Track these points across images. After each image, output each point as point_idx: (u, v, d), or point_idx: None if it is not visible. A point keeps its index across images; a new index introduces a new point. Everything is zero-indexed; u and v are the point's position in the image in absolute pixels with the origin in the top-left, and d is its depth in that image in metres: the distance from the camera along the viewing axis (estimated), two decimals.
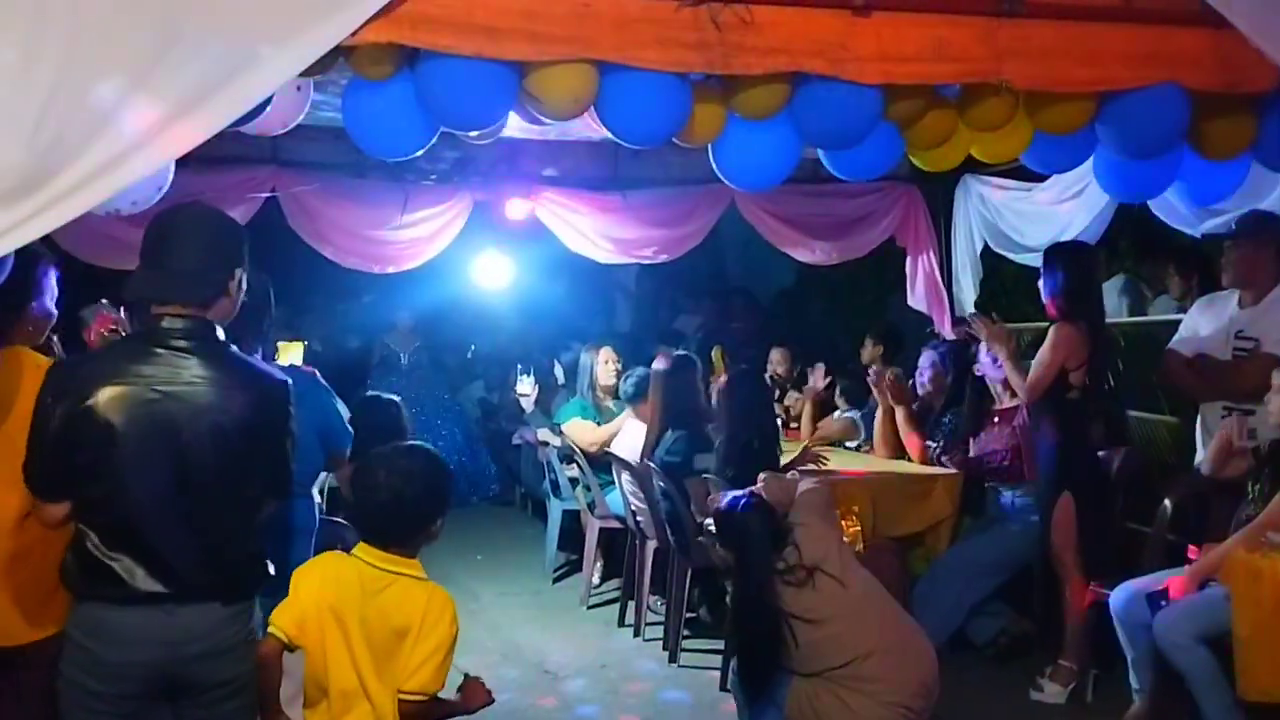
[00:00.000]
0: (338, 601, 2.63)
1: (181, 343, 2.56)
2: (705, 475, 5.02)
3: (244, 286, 2.73)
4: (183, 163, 4.08)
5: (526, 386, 7.27)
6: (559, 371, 7.50)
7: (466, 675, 2.77)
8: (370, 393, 5.16)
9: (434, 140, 3.36)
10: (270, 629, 2.65)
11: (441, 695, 2.71)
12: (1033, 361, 4.55)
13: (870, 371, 5.82)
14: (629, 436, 5.82)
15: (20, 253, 2.93)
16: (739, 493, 3.75)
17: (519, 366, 7.41)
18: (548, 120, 3.31)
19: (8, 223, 2.73)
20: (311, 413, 3.35)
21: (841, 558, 3.60)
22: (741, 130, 3.49)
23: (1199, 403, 4.59)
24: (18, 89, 2.68)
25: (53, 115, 2.69)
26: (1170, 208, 4.91)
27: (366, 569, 2.66)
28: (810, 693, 3.44)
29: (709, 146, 3.66)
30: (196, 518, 2.54)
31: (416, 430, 7.92)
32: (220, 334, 2.66)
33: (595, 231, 6.04)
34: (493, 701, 2.80)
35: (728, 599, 3.81)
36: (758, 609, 3.48)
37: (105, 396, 2.50)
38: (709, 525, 3.86)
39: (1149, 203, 4.93)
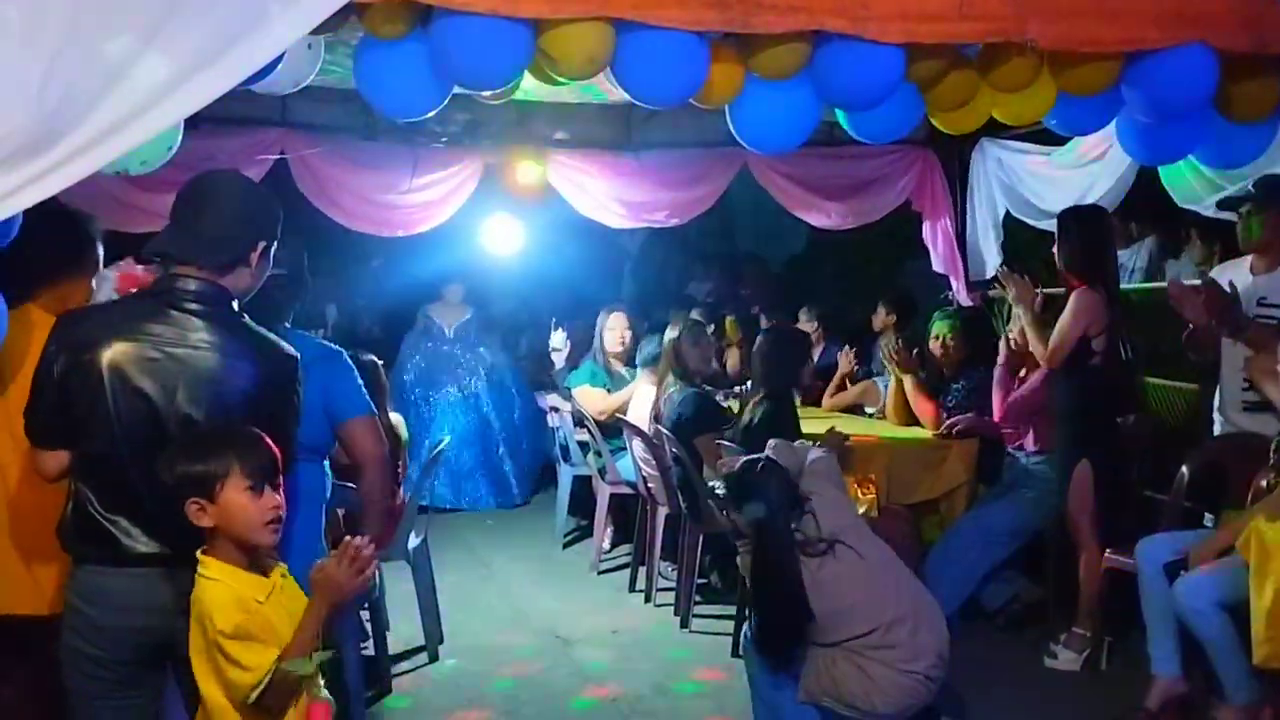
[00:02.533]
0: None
1: (193, 305, 2.54)
2: (720, 441, 4.99)
3: (269, 261, 2.69)
4: (191, 124, 4.05)
5: (559, 340, 7.12)
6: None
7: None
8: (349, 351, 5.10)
9: (446, 101, 3.30)
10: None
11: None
12: (1054, 329, 4.50)
13: (880, 344, 5.75)
14: (641, 402, 5.79)
15: (75, 222, 2.89)
16: (754, 456, 3.70)
17: (554, 320, 7.25)
18: (563, 80, 3.25)
19: (16, 183, 2.68)
20: (317, 379, 3.15)
21: (858, 527, 3.56)
22: (760, 91, 3.42)
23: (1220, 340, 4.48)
24: (24, 47, 2.62)
25: (60, 74, 2.64)
26: (1183, 182, 4.84)
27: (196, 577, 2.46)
28: (828, 661, 3.42)
29: (726, 108, 3.59)
30: None
31: (438, 415, 7.71)
32: (235, 304, 2.62)
33: (607, 194, 5.98)
34: None
35: (739, 564, 3.77)
36: (779, 576, 3.44)
37: (107, 349, 2.49)
38: (718, 487, 3.80)
39: (1163, 181, 4.88)
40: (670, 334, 5.51)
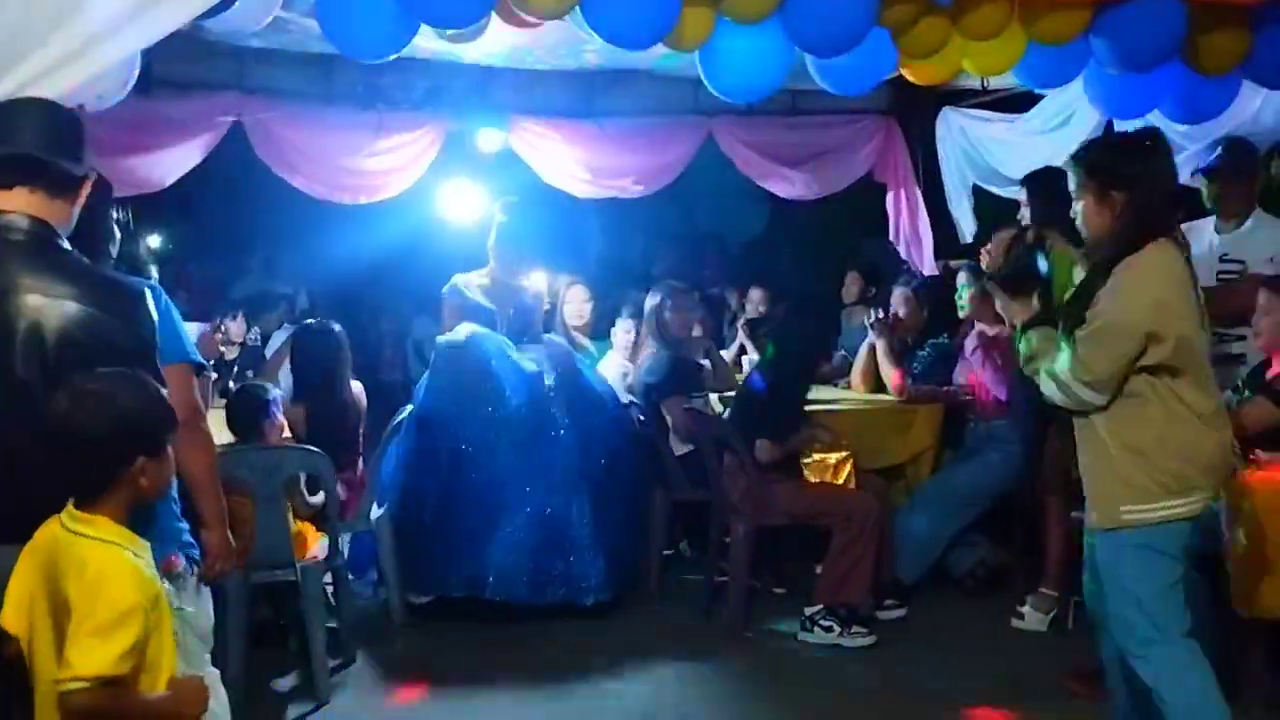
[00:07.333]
0: (40, 576, 2.12)
1: (17, 237, 2.30)
2: (689, 407, 4.96)
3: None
4: (145, 87, 3.96)
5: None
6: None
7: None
8: (309, 320, 5.00)
9: (413, 39, 3.22)
10: None
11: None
12: None
13: (870, 315, 5.67)
14: (609, 370, 5.72)
15: None
16: None
17: (568, 280, 6.98)
18: (532, 19, 3.19)
19: None
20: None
21: None
22: (731, 35, 3.38)
23: None
24: None
25: (12, 2, 2.56)
26: None
27: (60, 533, 2.13)
28: None
29: (696, 55, 3.55)
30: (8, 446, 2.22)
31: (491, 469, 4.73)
32: (64, 241, 2.38)
33: (571, 160, 5.90)
34: (205, 709, 2.24)
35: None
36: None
37: None
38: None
39: None
40: (651, 301, 5.43)
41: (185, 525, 2.61)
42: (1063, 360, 2.90)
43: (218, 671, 2.56)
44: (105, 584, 2.02)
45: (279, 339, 6.02)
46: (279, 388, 4.61)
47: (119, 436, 2.10)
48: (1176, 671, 2.89)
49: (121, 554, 2.08)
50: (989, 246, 4.84)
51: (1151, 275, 2.85)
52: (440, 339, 5.01)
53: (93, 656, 1.97)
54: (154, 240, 8.51)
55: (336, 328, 4.80)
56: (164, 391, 2.22)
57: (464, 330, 4.93)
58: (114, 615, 2.00)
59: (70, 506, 2.13)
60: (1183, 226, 4.63)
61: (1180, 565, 2.88)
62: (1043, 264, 3.04)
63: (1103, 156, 3.02)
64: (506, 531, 4.60)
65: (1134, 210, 2.89)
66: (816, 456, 4.84)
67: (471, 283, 5.09)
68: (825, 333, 4.86)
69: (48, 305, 2.27)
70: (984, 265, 4.85)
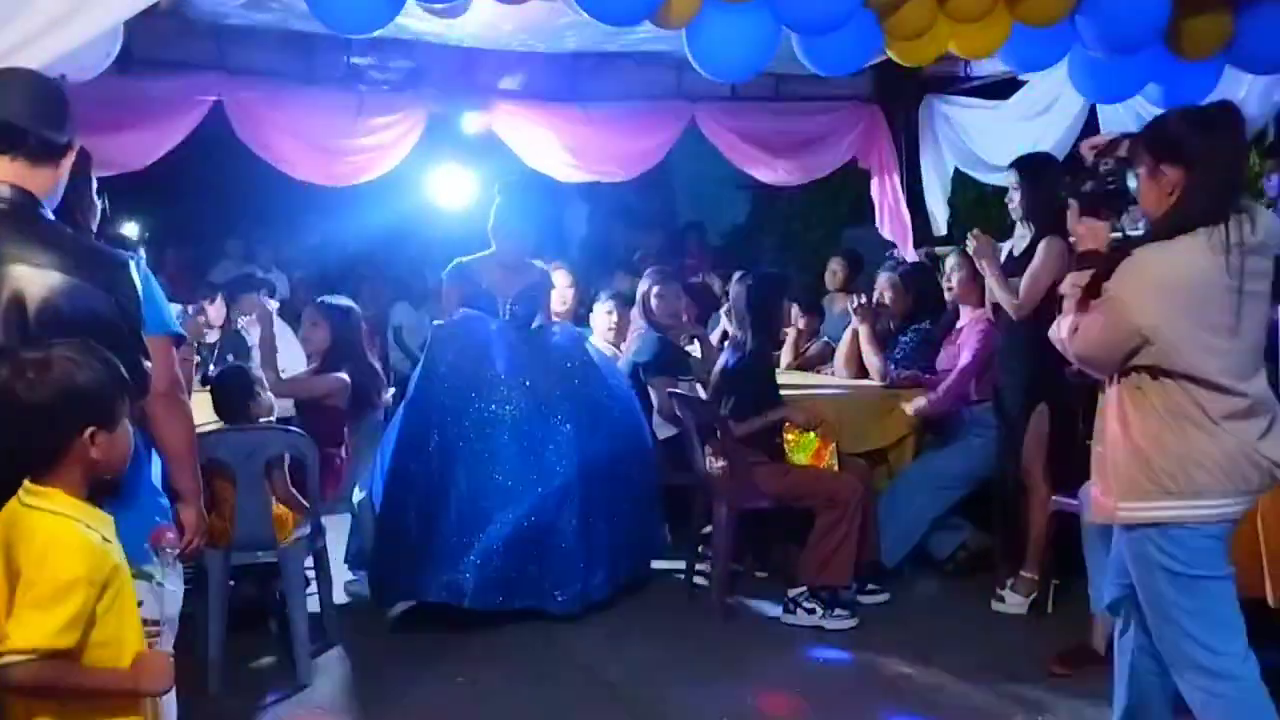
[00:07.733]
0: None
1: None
2: (673, 390, 4.96)
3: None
4: (125, 67, 3.90)
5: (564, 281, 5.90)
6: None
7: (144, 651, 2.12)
8: (322, 298, 5.03)
9: (400, 13, 3.20)
10: None
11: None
12: (1025, 276, 4.40)
13: (853, 300, 5.68)
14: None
15: None
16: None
17: (550, 262, 6.88)
18: None
19: None
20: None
21: None
22: (718, 13, 3.38)
23: None
24: None
25: None
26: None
27: (17, 507, 2.06)
28: None
29: (683, 33, 3.53)
30: None
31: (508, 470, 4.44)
32: (47, 210, 2.35)
33: (555, 144, 5.87)
34: (171, 687, 2.16)
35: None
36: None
37: None
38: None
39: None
40: (642, 286, 5.44)
41: (166, 502, 2.59)
42: (1067, 322, 2.75)
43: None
44: (50, 555, 1.97)
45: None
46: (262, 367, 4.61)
47: (62, 407, 2.03)
48: (1236, 703, 2.64)
49: (71, 526, 2.02)
50: (975, 231, 4.85)
51: (1156, 274, 2.59)
52: (436, 323, 4.86)
53: (31, 629, 1.91)
54: (131, 227, 8.47)
55: (346, 303, 4.89)
56: (118, 362, 2.14)
57: (462, 314, 4.72)
58: (54, 587, 1.94)
59: (27, 481, 2.08)
60: None
61: (1227, 582, 2.64)
62: (1132, 184, 2.66)
63: (1160, 127, 2.72)
64: (491, 537, 4.37)
65: (1184, 192, 2.59)
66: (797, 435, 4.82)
67: (473, 266, 4.79)
68: (774, 309, 4.88)
69: (31, 274, 2.24)
70: (970, 249, 4.85)
